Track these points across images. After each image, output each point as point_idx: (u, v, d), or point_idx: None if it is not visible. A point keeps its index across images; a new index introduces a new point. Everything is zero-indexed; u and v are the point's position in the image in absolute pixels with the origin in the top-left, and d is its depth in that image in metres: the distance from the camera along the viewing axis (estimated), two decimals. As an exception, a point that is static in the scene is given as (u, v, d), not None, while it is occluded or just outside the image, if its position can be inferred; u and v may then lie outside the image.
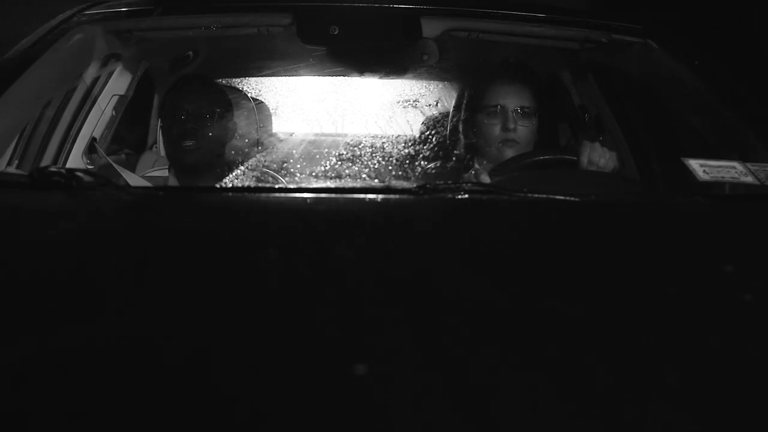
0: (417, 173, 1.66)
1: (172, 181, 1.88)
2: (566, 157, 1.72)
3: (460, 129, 1.95)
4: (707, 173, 1.28)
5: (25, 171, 1.73)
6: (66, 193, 1.14)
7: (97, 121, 2.10)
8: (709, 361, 0.77)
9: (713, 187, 1.29)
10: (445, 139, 1.97)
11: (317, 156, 1.65)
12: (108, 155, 2.04)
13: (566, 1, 1.94)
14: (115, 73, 2.07)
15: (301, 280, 0.88)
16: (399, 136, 1.87)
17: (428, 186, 1.16)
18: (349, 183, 1.54)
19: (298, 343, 0.76)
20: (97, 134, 2.10)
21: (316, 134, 2.03)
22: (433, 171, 1.75)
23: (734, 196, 1.32)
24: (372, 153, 1.64)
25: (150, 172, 2.02)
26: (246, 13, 1.78)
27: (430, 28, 1.76)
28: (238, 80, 2.16)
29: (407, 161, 1.67)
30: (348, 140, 1.69)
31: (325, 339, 0.77)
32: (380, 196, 1.13)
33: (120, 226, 1.10)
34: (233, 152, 1.88)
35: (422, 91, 2.10)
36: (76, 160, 2.04)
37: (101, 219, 1.11)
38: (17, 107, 1.53)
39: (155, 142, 2.41)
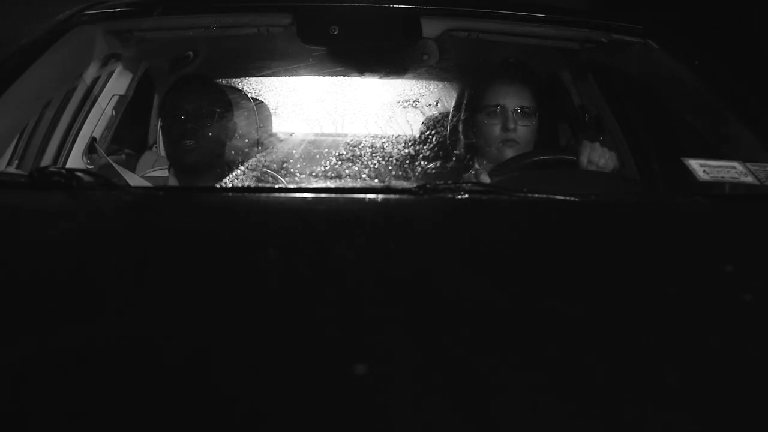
0: (417, 173, 1.66)
1: (172, 181, 1.88)
2: (566, 157, 1.72)
3: (460, 129, 1.95)
4: (707, 173, 1.28)
5: (25, 171, 1.73)
6: (66, 193, 1.14)
7: (97, 121, 2.10)
8: (709, 361, 0.77)
9: (713, 187, 1.29)
10: (445, 139, 1.97)
11: (317, 156, 1.65)
12: (108, 155, 2.04)
13: (566, 1, 1.94)
14: (115, 73, 2.07)
15: (301, 280, 0.88)
16: (399, 136, 1.87)
17: (428, 186, 1.16)
18: (349, 183, 1.54)
19: (298, 343, 0.76)
20: (97, 134, 2.11)
21: (316, 134, 2.03)
22: (433, 171, 1.75)
23: (734, 196, 1.32)
24: (372, 153, 1.64)
25: (150, 172, 2.03)
26: (246, 13, 1.78)
27: (430, 28, 1.76)
28: (238, 80, 2.16)
29: (407, 161, 1.67)
30: (348, 140, 1.69)
31: (325, 339, 0.77)
32: (380, 196, 1.13)
33: (120, 226, 1.10)
34: (233, 152, 1.88)
35: (422, 91, 2.10)
36: (76, 160, 2.04)
37: (101, 219, 1.11)
38: (17, 107, 1.53)
39: (155, 142, 2.41)
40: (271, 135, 2.13)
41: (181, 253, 0.96)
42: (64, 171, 1.17)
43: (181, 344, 0.76)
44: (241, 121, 1.94)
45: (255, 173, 1.71)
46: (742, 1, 3.98)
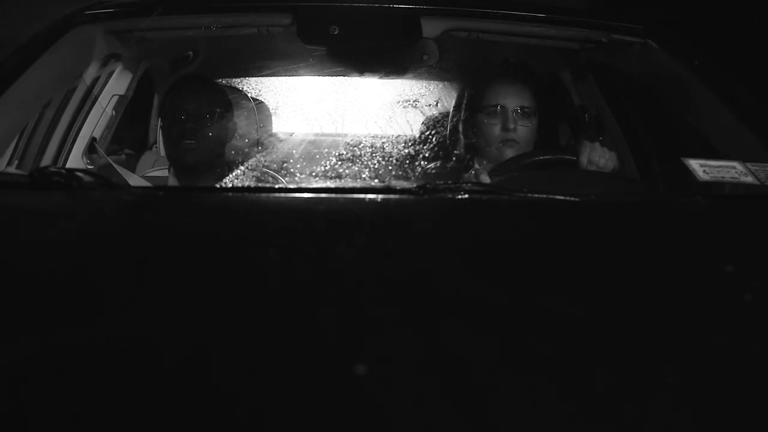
0: (417, 173, 1.66)
1: (172, 181, 1.88)
2: (566, 157, 1.72)
3: (460, 129, 1.95)
4: (707, 173, 1.28)
5: (25, 171, 1.73)
6: (66, 193, 1.14)
7: (97, 121, 2.10)
8: (709, 361, 0.77)
9: (713, 187, 1.29)
10: (445, 139, 1.97)
11: (317, 156, 1.65)
12: (108, 155, 2.04)
13: (566, 1, 1.94)
14: (115, 73, 2.07)
15: (301, 280, 0.88)
16: (399, 136, 1.87)
17: (428, 186, 1.16)
18: (349, 183, 1.54)
19: (298, 343, 0.76)
20: (97, 134, 2.11)
21: (316, 134, 2.03)
22: (433, 171, 1.75)
23: (734, 196, 1.32)
24: (372, 153, 1.64)
25: (150, 172, 2.03)
26: (246, 13, 1.78)
27: (430, 28, 1.76)
28: (238, 80, 2.16)
29: (407, 161, 1.67)
30: (348, 140, 1.69)
31: (325, 339, 0.77)
32: (380, 196, 1.13)
33: (120, 226, 1.10)
34: (233, 152, 1.88)
35: (422, 91, 2.10)
36: (76, 160, 2.04)
37: (101, 219, 1.11)
38: (17, 107, 1.53)
39: (155, 142, 2.41)
40: (271, 135, 2.13)
41: (181, 253, 0.96)
42: (64, 171, 1.17)
43: (181, 344, 0.76)
44: (241, 121, 1.93)
45: (255, 173, 1.71)
46: (742, 1, 3.98)
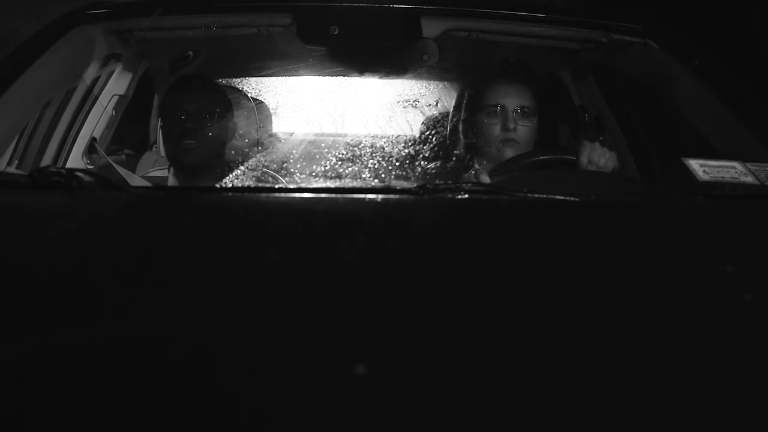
0: (417, 173, 1.66)
1: (172, 181, 1.88)
2: (566, 157, 1.72)
3: (460, 129, 1.95)
4: (707, 173, 1.28)
5: (25, 171, 1.74)
6: (66, 193, 1.14)
7: (97, 121, 2.10)
8: (709, 361, 0.77)
9: (713, 187, 1.29)
10: (445, 139, 1.97)
11: (317, 156, 1.65)
12: (108, 155, 2.04)
13: (567, 1, 1.94)
14: (115, 73, 2.07)
15: (301, 280, 0.88)
16: (399, 136, 1.87)
17: (428, 186, 1.16)
18: (349, 183, 1.54)
19: (298, 343, 0.76)
20: (97, 134, 2.11)
21: (316, 134, 2.03)
22: (433, 171, 1.75)
23: (734, 196, 1.32)
24: (372, 153, 1.64)
25: (150, 172, 2.03)
26: (246, 13, 1.78)
27: (430, 28, 1.76)
28: (238, 80, 2.16)
29: (407, 161, 1.67)
30: (348, 140, 1.69)
31: (325, 339, 0.77)
32: (380, 196, 1.13)
33: (120, 226, 1.10)
34: (233, 152, 1.88)
35: (422, 91, 2.10)
36: (76, 160, 2.04)
37: (101, 219, 1.11)
38: (17, 107, 1.53)
39: (155, 142, 2.41)
40: (271, 135, 2.13)
41: (181, 253, 0.96)
42: (64, 171, 1.17)
43: (181, 344, 0.76)
44: (241, 121, 1.94)
45: (255, 173, 1.71)
46: (742, 1, 3.98)
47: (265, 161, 1.78)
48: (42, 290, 0.87)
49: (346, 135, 1.82)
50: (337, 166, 1.59)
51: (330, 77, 2.02)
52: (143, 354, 0.75)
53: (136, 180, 1.77)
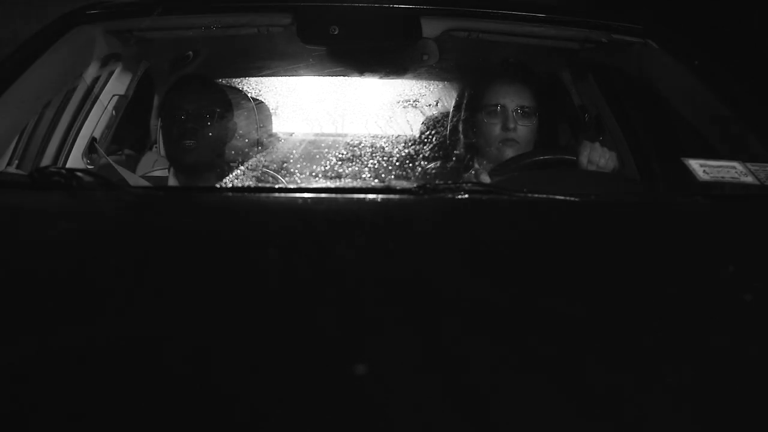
0: (417, 173, 1.66)
1: (172, 181, 1.88)
2: (566, 157, 1.72)
3: (460, 129, 1.95)
4: (707, 173, 1.28)
5: (25, 171, 1.73)
6: (66, 193, 1.14)
7: (97, 121, 2.10)
8: (709, 361, 0.77)
9: (713, 187, 1.29)
10: (445, 139, 1.97)
11: (317, 156, 1.65)
12: (108, 155, 2.04)
13: (567, 0, 1.94)
14: (115, 73, 2.07)
15: (301, 280, 0.88)
16: (399, 136, 1.87)
17: (428, 186, 1.16)
18: (349, 183, 1.54)
19: (298, 343, 0.76)
20: (97, 134, 2.10)
21: (316, 134, 2.03)
22: (433, 171, 1.75)
23: (734, 196, 1.32)
24: (372, 153, 1.64)
25: (150, 172, 2.02)
26: (246, 13, 1.78)
27: (430, 28, 1.76)
28: (238, 80, 2.16)
29: (407, 161, 1.67)
30: (348, 140, 1.69)
31: (325, 339, 0.77)
32: (380, 196, 1.13)
33: (120, 226, 1.10)
34: (233, 152, 1.88)
35: (422, 91, 2.10)
36: (76, 160, 2.04)
37: (101, 219, 1.11)
38: (17, 107, 1.53)
39: (155, 142, 2.41)
40: (271, 135, 2.13)
41: (181, 253, 0.96)
42: (64, 171, 1.17)
43: (181, 344, 0.76)
44: (241, 121, 1.94)
45: (255, 173, 1.71)
46: (742, 1, 3.98)
47: (265, 161, 1.78)
48: (42, 290, 0.87)
49: (346, 135, 1.82)
50: (337, 166, 1.59)
51: (330, 77, 2.02)
52: (143, 354, 0.75)
53: (136, 180, 1.77)
